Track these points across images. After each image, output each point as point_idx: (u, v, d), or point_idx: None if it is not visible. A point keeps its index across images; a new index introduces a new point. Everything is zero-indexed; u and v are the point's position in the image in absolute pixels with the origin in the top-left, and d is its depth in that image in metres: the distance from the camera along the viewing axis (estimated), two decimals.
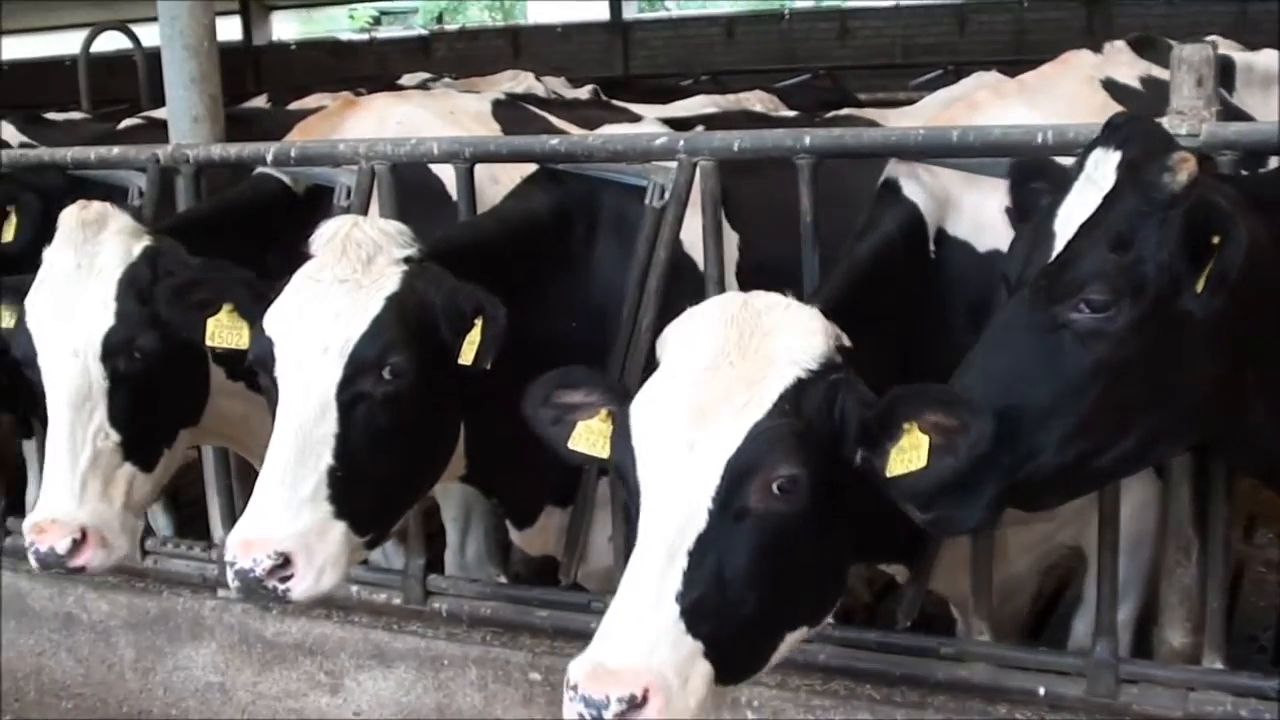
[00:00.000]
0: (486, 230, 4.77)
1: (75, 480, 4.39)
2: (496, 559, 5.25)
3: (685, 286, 4.56)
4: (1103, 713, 4.33)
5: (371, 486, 3.93)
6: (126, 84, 12.91)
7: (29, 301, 4.59)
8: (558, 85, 9.75)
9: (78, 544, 4.35)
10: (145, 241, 4.66)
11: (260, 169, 5.51)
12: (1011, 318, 3.45)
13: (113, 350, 4.48)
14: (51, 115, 9.03)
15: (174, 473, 4.92)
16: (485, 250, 4.57)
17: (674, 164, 4.66)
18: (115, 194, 5.84)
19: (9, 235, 5.43)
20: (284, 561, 3.73)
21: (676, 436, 3.19)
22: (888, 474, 3.28)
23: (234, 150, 5.55)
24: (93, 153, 6.00)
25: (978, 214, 4.41)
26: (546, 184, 4.89)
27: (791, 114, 7.32)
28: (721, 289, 4.58)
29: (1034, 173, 3.95)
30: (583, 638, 4.89)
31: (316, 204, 5.26)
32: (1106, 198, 3.36)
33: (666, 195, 4.65)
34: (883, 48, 18.92)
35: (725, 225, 4.67)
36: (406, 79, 10.60)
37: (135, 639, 5.96)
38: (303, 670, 5.55)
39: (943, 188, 4.44)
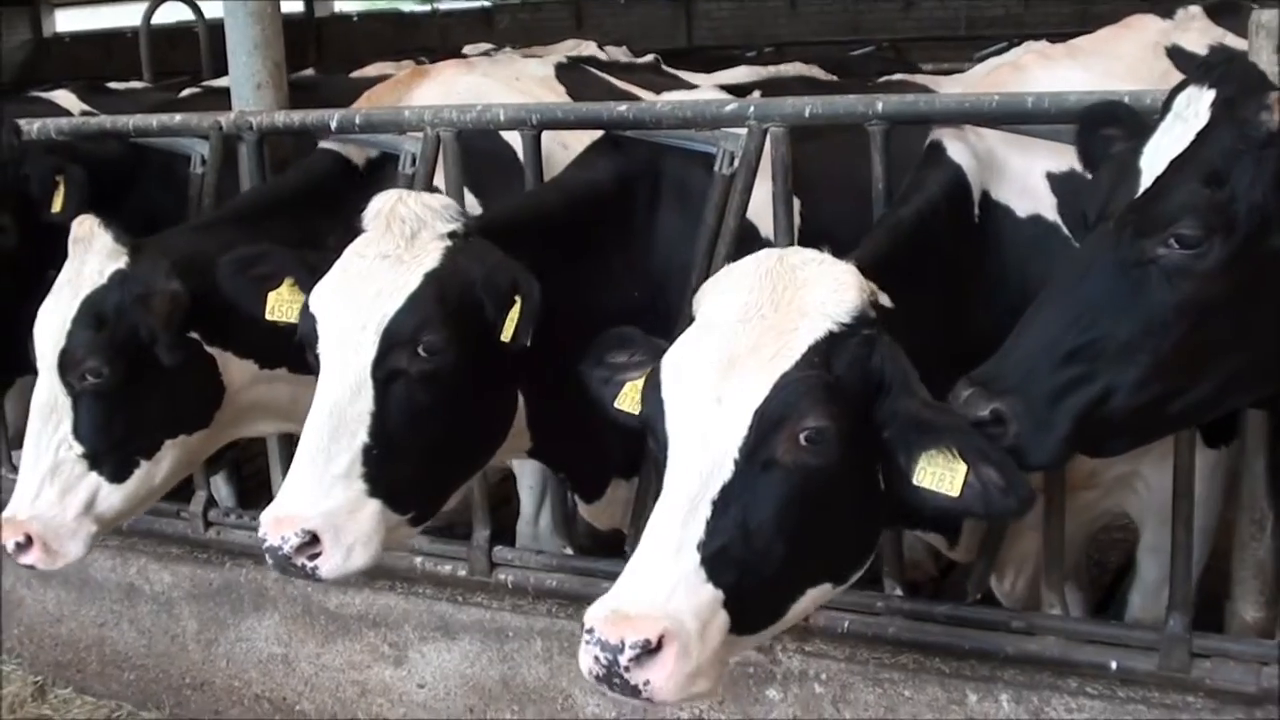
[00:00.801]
0: (547, 201, 4.75)
1: (34, 486, 4.53)
2: (563, 530, 5.21)
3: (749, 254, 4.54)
4: (1174, 687, 4.27)
5: (409, 464, 3.90)
6: (187, 56, 12.94)
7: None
8: (619, 55, 9.69)
9: (21, 546, 4.52)
10: (118, 264, 4.63)
11: (321, 144, 5.50)
12: (1092, 252, 3.37)
13: (65, 369, 4.53)
14: (114, 85, 9.04)
15: (178, 475, 4.91)
16: (545, 221, 4.55)
17: (743, 130, 4.60)
18: (178, 162, 5.87)
19: (58, 206, 5.41)
20: (311, 539, 3.72)
21: (705, 388, 3.17)
22: (914, 481, 3.22)
23: (297, 117, 5.52)
24: (155, 120, 5.97)
25: (1023, 178, 4.37)
26: (610, 152, 4.85)
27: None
28: None
29: (1106, 118, 3.82)
30: None
31: (379, 178, 5.23)
32: (1200, 134, 3.28)
33: (736, 162, 4.59)
34: (947, 20, 18.82)
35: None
36: (468, 49, 10.55)
37: (198, 610, 5.98)
38: (366, 642, 5.55)
39: (988, 150, 4.39)
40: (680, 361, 3.25)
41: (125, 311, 4.54)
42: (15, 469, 6.08)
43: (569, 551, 5.21)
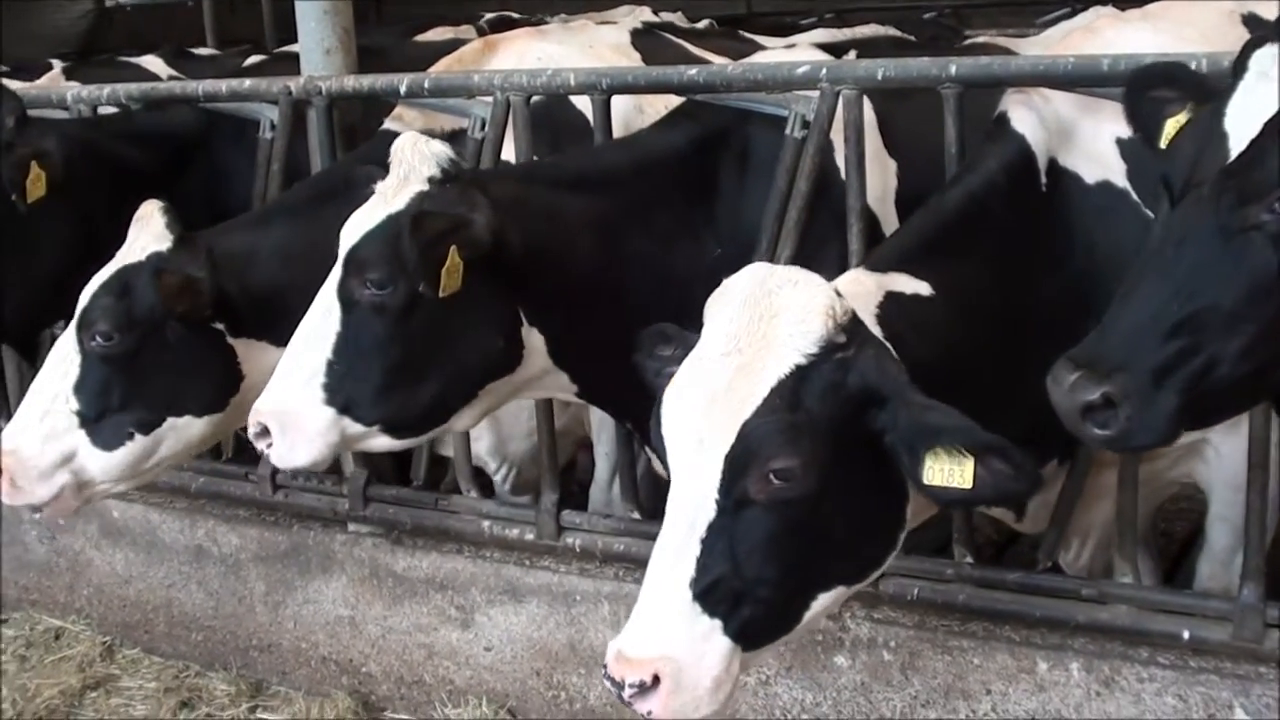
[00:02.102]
0: (609, 156, 4.83)
1: (22, 424, 4.74)
2: (630, 494, 5.22)
3: (834, 214, 4.55)
4: (1247, 658, 4.24)
5: (367, 381, 4.16)
6: (247, 24, 12.97)
7: None
8: (674, 21, 9.62)
9: None
10: (161, 247, 4.78)
11: (384, 125, 5.54)
12: (1188, 221, 3.27)
13: (80, 326, 4.74)
14: (198, 51, 9.11)
15: (183, 454, 5.01)
16: (601, 175, 4.63)
17: (815, 93, 4.59)
18: (248, 127, 5.89)
19: (32, 195, 5.45)
20: (263, 430, 4.21)
21: (689, 429, 3.24)
22: (924, 482, 3.23)
23: (367, 82, 5.52)
24: (224, 86, 5.98)
25: (1091, 143, 4.31)
26: (687, 115, 4.86)
27: None
28: (865, 221, 4.56)
29: (1160, 80, 3.74)
30: None
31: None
32: None
33: (808, 125, 4.57)
34: None
35: (884, 152, 4.61)
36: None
37: (266, 572, 6.02)
38: (434, 605, 5.57)
39: (1055, 115, 4.34)
40: (674, 399, 3.31)
41: (145, 292, 4.70)
42: None
43: (636, 516, 5.20)
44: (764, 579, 3.19)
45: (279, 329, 4.66)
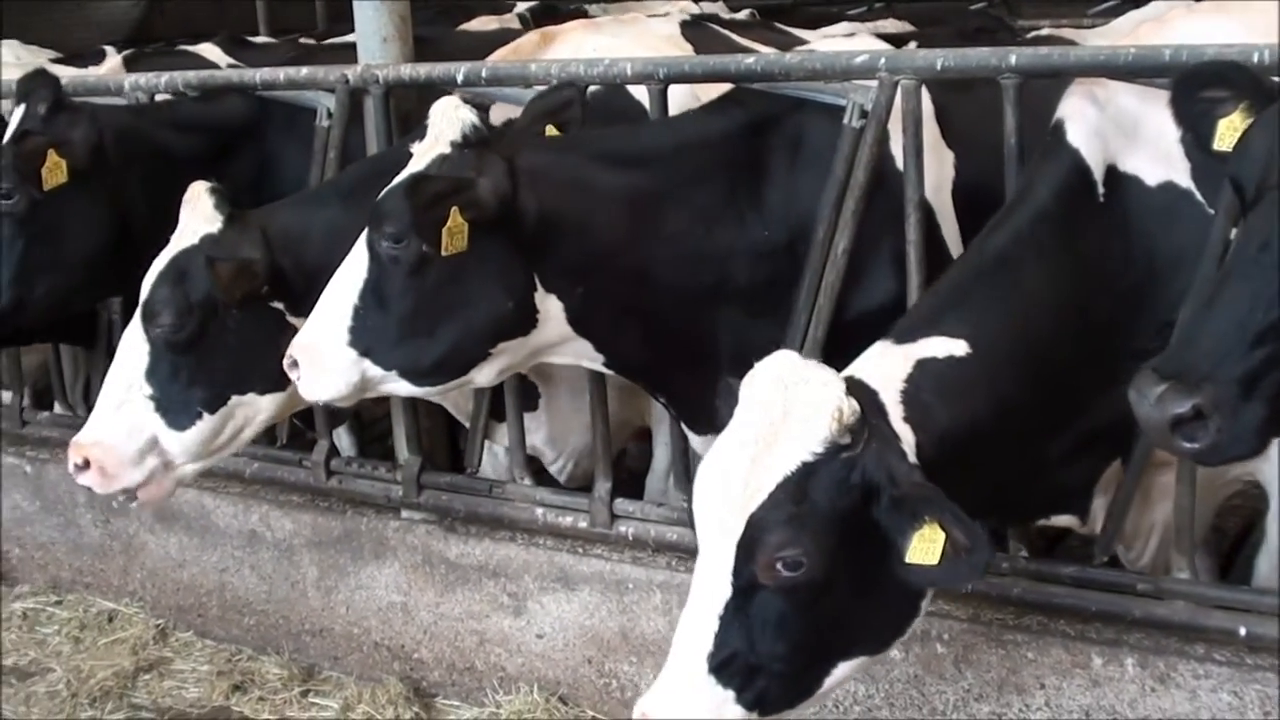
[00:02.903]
0: (649, 134, 4.88)
1: (102, 416, 4.92)
2: (683, 483, 5.21)
3: (891, 204, 4.54)
4: None
5: (390, 330, 4.39)
6: (298, 12, 13.01)
7: None
8: (714, 11, 9.58)
9: (79, 468, 4.88)
10: (212, 229, 4.90)
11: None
12: (1269, 225, 3.25)
13: (145, 318, 4.90)
14: (255, 39, 9.14)
15: (252, 429, 5.13)
16: (639, 151, 4.71)
17: (873, 83, 4.57)
18: (300, 115, 5.91)
19: (50, 182, 5.53)
20: (292, 363, 4.49)
21: (714, 514, 3.41)
22: (906, 559, 3.32)
23: (424, 70, 5.51)
24: (281, 73, 6.00)
25: (1156, 140, 4.21)
26: (737, 100, 4.86)
27: None
28: (921, 212, 4.54)
29: (1210, 80, 3.69)
30: None
31: None
32: None
33: (866, 115, 4.57)
34: None
35: (941, 143, 4.59)
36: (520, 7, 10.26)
37: (319, 557, 6.06)
38: (486, 592, 5.60)
39: (1117, 112, 4.28)
40: (702, 481, 3.49)
41: (204, 276, 4.81)
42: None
43: (689, 505, 5.18)
44: (776, 655, 3.38)
45: None
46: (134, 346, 4.91)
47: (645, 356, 4.77)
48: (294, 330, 4.73)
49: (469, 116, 4.41)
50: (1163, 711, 4.33)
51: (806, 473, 3.32)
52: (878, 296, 4.70)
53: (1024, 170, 4.38)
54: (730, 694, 3.37)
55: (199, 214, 4.92)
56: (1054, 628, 4.53)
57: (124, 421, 4.87)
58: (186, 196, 4.97)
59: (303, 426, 6.25)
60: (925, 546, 3.30)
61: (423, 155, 4.40)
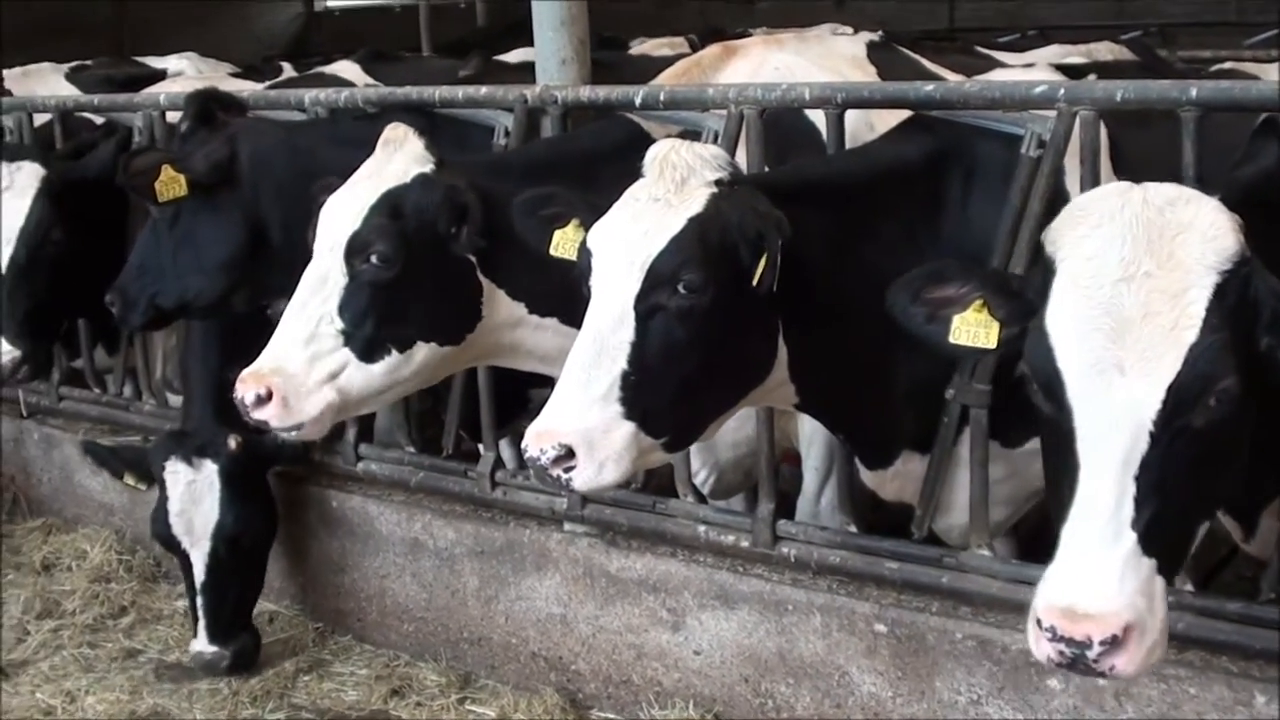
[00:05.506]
0: (844, 166, 4.85)
1: (283, 348, 4.83)
2: (848, 507, 5.23)
3: None
4: None
5: (663, 392, 4.09)
6: (454, 29, 13.17)
7: None
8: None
9: (261, 400, 4.76)
10: (424, 169, 4.93)
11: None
12: None
13: (352, 251, 4.83)
14: (400, 54, 9.26)
15: (424, 378, 5.14)
16: (837, 183, 4.65)
17: (1052, 113, 4.58)
18: (477, 133, 6.01)
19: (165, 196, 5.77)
20: (568, 453, 3.95)
21: (1104, 356, 3.19)
22: None
23: (602, 93, 5.60)
24: (460, 92, 6.10)
25: None
26: (919, 129, 4.87)
27: None
28: None
29: None
30: (932, 592, 4.91)
31: None
32: None
33: (1044, 145, 4.57)
34: (1215, 4, 18.03)
35: (1112, 176, 4.57)
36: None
37: (480, 567, 6.15)
38: (645, 606, 5.64)
39: None
40: (1071, 325, 3.27)
41: (422, 210, 4.85)
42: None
43: (853, 529, 5.21)
44: (1186, 496, 3.22)
45: (516, 278, 4.95)
46: (323, 281, 4.86)
47: (843, 395, 4.68)
48: (480, 289, 4.97)
49: (721, 153, 4.30)
50: None
51: (1221, 296, 3.17)
52: None
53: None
54: (1153, 563, 3.13)
55: (408, 154, 4.94)
56: (1217, 664, 4.48)
57: (310, 353, 4.82)
58: (386, 137, 5.01)
59: (467, 438, 6.35)
60: None
61: (666, 197, 4.13)
